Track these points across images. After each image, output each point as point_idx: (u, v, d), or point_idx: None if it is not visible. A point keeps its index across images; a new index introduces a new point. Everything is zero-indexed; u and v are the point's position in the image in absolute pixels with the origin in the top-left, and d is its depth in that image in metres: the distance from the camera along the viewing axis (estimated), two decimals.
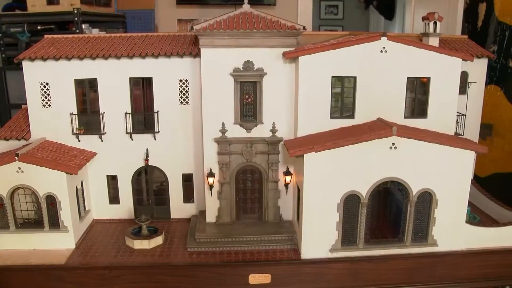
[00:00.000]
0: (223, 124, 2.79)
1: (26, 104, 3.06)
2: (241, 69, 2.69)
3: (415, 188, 2.56)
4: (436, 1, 4.53)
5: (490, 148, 3.57)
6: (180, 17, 5.39)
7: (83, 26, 4.29)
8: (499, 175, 3.75)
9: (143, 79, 2.94)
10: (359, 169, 2.51)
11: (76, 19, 4.11)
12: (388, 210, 2.88)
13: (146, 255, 2.67)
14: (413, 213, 2.62)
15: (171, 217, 3.17)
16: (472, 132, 3.25)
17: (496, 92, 3.79)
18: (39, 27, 4.37)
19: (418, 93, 2.71)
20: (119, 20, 5.09)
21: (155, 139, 2.99)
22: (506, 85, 3.65)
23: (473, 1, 4.22)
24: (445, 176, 2.58)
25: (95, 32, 4.44)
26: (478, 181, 3.86)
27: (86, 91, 2.99)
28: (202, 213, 3.03)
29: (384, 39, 2.54)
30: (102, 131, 3.01)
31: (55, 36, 3.15)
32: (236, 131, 2.82)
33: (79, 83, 2.94)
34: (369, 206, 2.58)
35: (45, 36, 3.18)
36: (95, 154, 3.10)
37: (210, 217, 2.95)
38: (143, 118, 3.01)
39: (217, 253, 2.67)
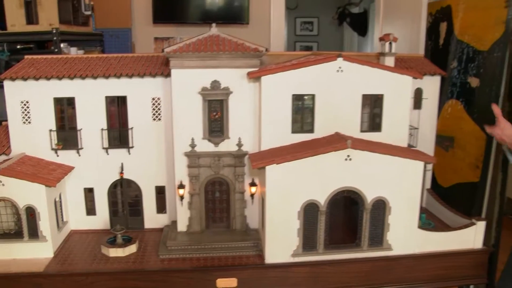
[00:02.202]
0: (192, 139, 2.99)
1: (7, 120, 3.25)
2: (209, 88, 2.91)
3: (369, 196, 2.79)
4: (402, 20, 4.87)
5: (452, 160, 3.88)
6: (156, 35, 5.64)
7: (62, 45, 4.50)
8: (461, 185, 4.03)
9: (118, 97, 3.13)
10: (317, 179, 2.73)
11: (55, 38, 4.35)
12: (348, 217, 3.15)
13: (120, 262, 2.84)
14: (368, 220, 2.84)
15: (145, 227, 3.34)
16: (428, 144, 3.53)
17: (457, 106, 4.09)
18: (18, 46, 4.58)
19: (372, 108, 2.95)
20: (97, 38, 5.28)
21: (129, 154, 3.19)
22: (465, 100, 3.95)
23: (435, 20, 4.56)
24: (397, 185, 2.82)
25: (73, 50, 4.67)
26: (442, 191, 4.15)
27: (64, 109, 3.20)
28: (174, 223, 3.21)
29: (340, 59, 2.79)
30: (80, 146, 3.16)
31: (35, 56, 3.36)
32: (204, 146, 3.02)
33: (57, 101, 3.10)
34: (328, 213, 2.77)
35: (25, 56, 3.39)
36: (72, 168, 3.23)
37: (181, 226, 3.13)
38: (118, 134, 3.18)
39: (187, 260, 2.85)
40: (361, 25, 7.99)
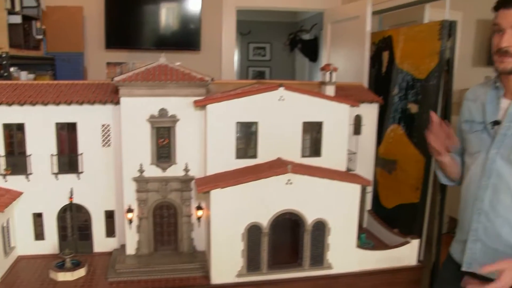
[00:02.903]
0: (141, 164, 3.09)
1: None
2: (157, 115, 3.03)
3: (310, 218, 2.96)
4: (347, 48, 5.17)
5: (394, 182, 4.14)
6: (109, 60, 5.68)
7: (11, 69, 4.56)
8: (403, 206, 4.27)
9: (68, 123, 3.19)
10: (259, 202, 2.88)
11: (4, 62, 4.40)
12: (291, 238, 3.34)
13: (69, 286, 2.84)
14: (309, 240, 3.00)
15: (94, 251, 3.38)
16: (367, 167, 3.76)
17: (398, 131, 4.39)
18: None
19: (313, 135, 3.14)
20: (48, 62, 5.26)
21: (79, 179, 3.25)
22: (406, 125, 4.25)
23: (378, 49, 4.87)
24: (336, 207, 2.99)
25: (24, 74, 4.74)
26: (386, 211, 4.40)
27: (14, 134, 3.23)
28: (123, 246, 3.27)
29: (281, 88, 2.98)
30: (29, 172, 3.20)
31: None
32: (152, 171, 3.13)
33: (7, 127, 3.13)
34: (270, 235, 2.92)
35: None
36: (21, 193, 3.22)
37: (130, 249, 3.20)
38: (68, 160, 3.23)
39: (136, 282, 2.92)
40: (312, 51, 8.33)
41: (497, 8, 2.22)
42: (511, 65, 2.20)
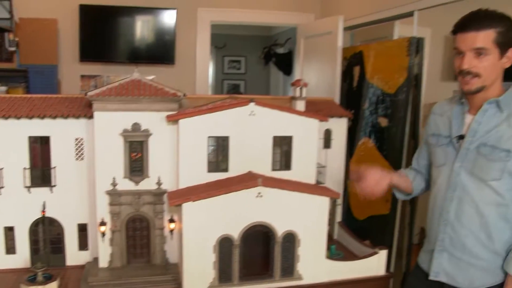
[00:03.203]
0: (114, 178, 3.13)
1: None
2: (130, 130, 3.08)
3: (280, 230, 3.03)
4: (320, 62, 5.31)
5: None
6: (83, 73, 5.68)
7: None
8: (374, 217, 4.40)
9: (41, 137, 3.21)
10: (230, 215, 2.94)
11: None
12: (263, 250, 3.41)
13: None
14: (280, 252, 3.08)
15: (67, 264, 3.39)
16: (337, 180, 3.86)
17: (369, 144, 4.54)
18: None
19: (283, 149, 3.23)
20: (21, 75, 5.22)
21: (52, 192, 3.26)
22: (376, 138, 4.39)
23: (349, 64, 5.02)
24: (305, 219, 3.08)
25: None
26: (358, 223, 4.53)
27: None
28: (96, 259, 3.29)
29: (252, 104, 3.06)
30: (0, 185, 3.20)
31: None
32: (125, 184, 3.17)
33: None
34: (241, 247, 2.99)
35: None
36: None
37: (103, 262, 3.23)
38: (41, 173, 3.25)
39: None
40: (286, 64, 8.48)
41: (455, 32, 2.35)
42: (475, 86, 2.33)
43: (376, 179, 2.76)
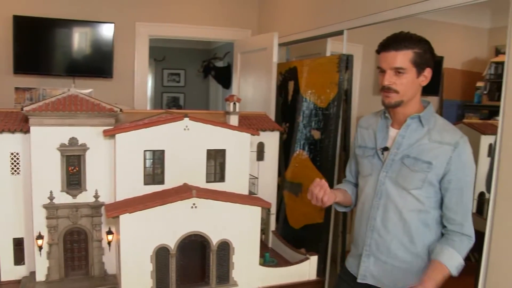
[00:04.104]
0: (51, 192, 3.19)
1: None
2: (67, 144, 3.16)
3: (215, 239, 3.19)
4: (256, 77, 5.58)
5: (301, 204, 4.52)
6: (17, 85, 5.60)
7: None
8: (309, 226, 4.63)
9: None
10: (166, 225, 3.08)
11: None
12: (200, 258, 3.54)
13: None
14: (215, 260, 3.24)
15: (2, 279, 3.38)
16: (269, 191, 4.08)
17: (303, 156, 4.82)
18: None
19: (217, 162, 3.41)
20: None
21: None
22: (310, 150, 4.67)
23: (284, 79, 5.30)
24: (239, 228, 3.25)
25: None
26: (294, 232, 4.77)
27: None
28: (32, 274, 3.33)
29: (186, 119, 3.22)
30: None
31: None
32: (63, 198, 3.24)
33: None
34: (178, 256, 3.13)
35: None
36: None
37: (40, 276, 3.26)
38: None
39: None
40: (225, 78, 8.71)
41: (378, 51, 2.39)
42: (394, 100, 2.45)
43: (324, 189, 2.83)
